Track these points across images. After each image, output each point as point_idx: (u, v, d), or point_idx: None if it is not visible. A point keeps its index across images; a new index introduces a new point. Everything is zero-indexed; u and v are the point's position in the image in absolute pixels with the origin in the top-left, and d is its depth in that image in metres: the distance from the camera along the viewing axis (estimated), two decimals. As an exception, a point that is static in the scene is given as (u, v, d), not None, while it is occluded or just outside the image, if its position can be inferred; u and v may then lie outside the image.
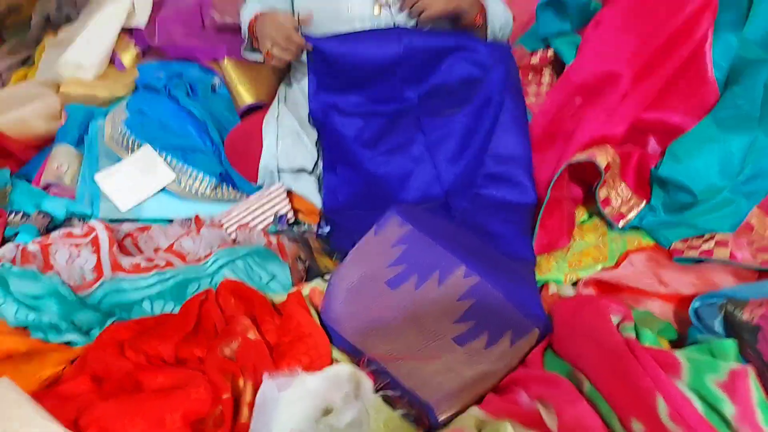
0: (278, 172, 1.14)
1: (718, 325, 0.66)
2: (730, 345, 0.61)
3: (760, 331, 0.60)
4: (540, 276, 0.90)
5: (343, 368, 0.69)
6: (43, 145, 1.25)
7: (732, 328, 0.64)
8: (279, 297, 0.85)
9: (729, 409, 0.55)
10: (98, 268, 0.89)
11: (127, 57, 1.41)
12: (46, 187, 1.11)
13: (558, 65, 1.18)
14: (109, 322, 0.83)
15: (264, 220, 1.06)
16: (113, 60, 1.41)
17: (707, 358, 0.60)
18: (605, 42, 1.01)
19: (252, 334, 0.75)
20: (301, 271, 0.93)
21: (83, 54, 1.36)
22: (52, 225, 1.02)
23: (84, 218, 1.06)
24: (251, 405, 0.66)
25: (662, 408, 0.56)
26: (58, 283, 0.84)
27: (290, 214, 1.12)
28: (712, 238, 0.82)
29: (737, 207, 0.83)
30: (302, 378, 0.69)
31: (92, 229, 0.95)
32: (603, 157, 0.88)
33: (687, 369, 0.59)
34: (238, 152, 1.17)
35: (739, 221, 0.83)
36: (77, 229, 0.94)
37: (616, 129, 0.93)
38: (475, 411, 0.65)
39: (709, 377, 0.57)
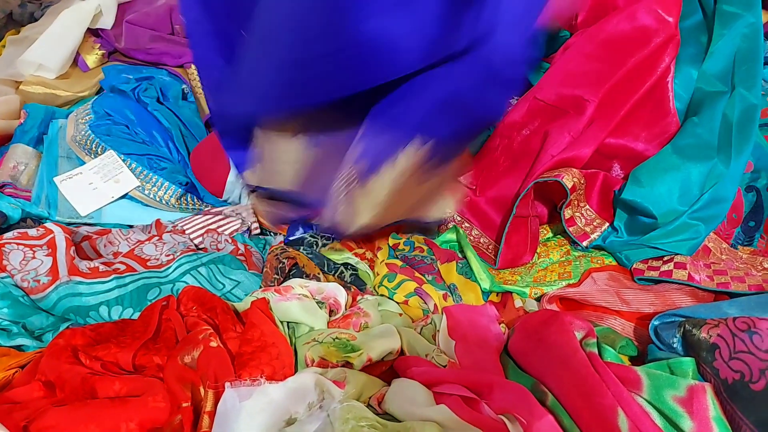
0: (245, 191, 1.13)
1: (676, 343, 0.68)
2: (689, 362, 0.63)
3: (717, 349, 0.63)
4: (504, 286, 0.91)
5: (308, 378, 0.69)
6: (0, 143, 1.21)
7: (690, 346, 0.66)
8: (242, 305, 0.84)
9: (687, 424, 0.57)
10: (53, 270, 0.86)
11: (92, 58, 1.39)
12: (1, 187, 1.08)
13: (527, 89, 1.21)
14: (63, 327, 0.81)
15: (230, 226, 1.05)
16: (76, 60, 1.38)
17: (666, 375, 0.61)
18: (572, 66, 1.05)
19: (214, 342, 0.74)
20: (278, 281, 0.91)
21: (45, 53, 1.33)
22: (5, 225, 0.99)
23: (40, 220, 1.03)
24: (212, 414, 0.65)
25: (623, 422, 0.58)
26: (11, 285, 0.81)
27: (254, 225, 1.11)
28: (671, 260, 0.85)
29: (696, 231, 0.86)
30: (265, 388, 0.68)
31: (49, 231, 0.92)
32: (569, 178, 0.91)
33: (647, 384, 0.60)
34: (204, 169, 1.16)
35: (698, 245, 0.86)
36: (32, 231, 0.91)
37: (582, 151, 0.96)
38: (443, 410, 0.65)
39: (669, 393, 0.59)
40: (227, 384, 0.67)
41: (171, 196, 1.11)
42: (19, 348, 0.77)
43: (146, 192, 1.09)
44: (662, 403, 0.59)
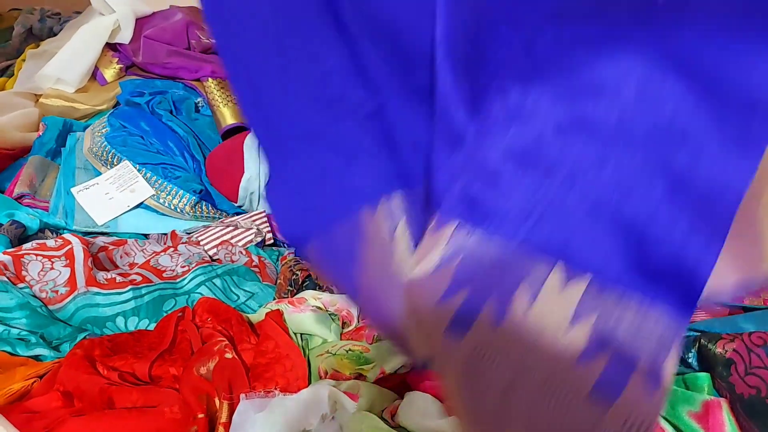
0: (259, 194, 1.14)
1: (692, 357, 0.68)
2: (704, 377, 0.63)
3: (733, 364, 0.62)
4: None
5: (321, 390, 0.69)
6: (19, 155, 1.23)
7: (706, 361, 0.66)
8: (256, 317, 0.85)
9: (703, 440, 0.57)
10: (71, 281, 0.87)
11: (109, 72, 1.41)
12: (20, 198, 1.09)
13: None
14: (80, 338, 0.81)
15: (244, 238, 1.06)
16: (95, 74, 1.41)
17: (682, 390, 0.61)
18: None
19: (229, 354, 0.75)
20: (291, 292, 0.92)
21: (64, 68, 1.35)
22: (24, 236, 1.00)
23: (57, 230, 1.05)
24: (227, 425, 0.65)
25: (639, 438, 0.57)
26: (29, 296, 0.82)
27: (268, 236, 1.12)
28: (685, 274, 0.85)
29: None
30: (279, 400, 0.68)
31: (67, 242, 0.93)
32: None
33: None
34: (219, 172, 1.17)
35: (712, 259, 0.86)
36: (51, 241, 0.92)
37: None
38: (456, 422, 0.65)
39: (684, 409, 0.59)
40: (242, 395, 0.67)
41: (186, 204, 1.12)
42: (36, 358, 0.78)
43: (161, 201, 1.10)
44: (678, 419, 0.59)
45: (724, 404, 0.58)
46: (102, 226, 1.07)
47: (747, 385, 0.60)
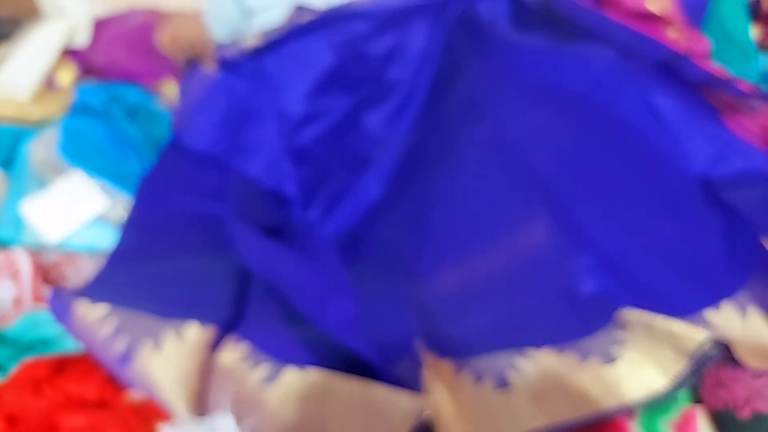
0: None
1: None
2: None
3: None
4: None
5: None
6: (-33, 166, 1.21)
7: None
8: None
9: (680, 450, 0.57)
10: (19, 299, 0.85)
11: (65, 77, 1.39)
12: (-33, 211, 1.07)
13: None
14: (24, 356, 0.79)
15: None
16: (50, 79, 1.39)
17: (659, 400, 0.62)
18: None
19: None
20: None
21: (18, 73, 1.34)
22: (-30, 251, 0.98)
23: (6, 244, 1.02)
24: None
25: (617, 450, 0.57)
26: (-27, 314, 0.80)
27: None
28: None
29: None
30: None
31: (15, 257, 0.91)
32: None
33: (641, 411, 0.61)
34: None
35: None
36: (-1, 256, 0.90)
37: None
38: None
39: (662, 419, 0.60)
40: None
41: (144, 217, 1.10)
42: (-20, 380, 0.76)
43: (119, 213, 1.08)
44: (655, 429, 0.59)
45: (700, 412, 0.59)
46: (53, 241, 1.05)
47: (716, 398, 0.61)
